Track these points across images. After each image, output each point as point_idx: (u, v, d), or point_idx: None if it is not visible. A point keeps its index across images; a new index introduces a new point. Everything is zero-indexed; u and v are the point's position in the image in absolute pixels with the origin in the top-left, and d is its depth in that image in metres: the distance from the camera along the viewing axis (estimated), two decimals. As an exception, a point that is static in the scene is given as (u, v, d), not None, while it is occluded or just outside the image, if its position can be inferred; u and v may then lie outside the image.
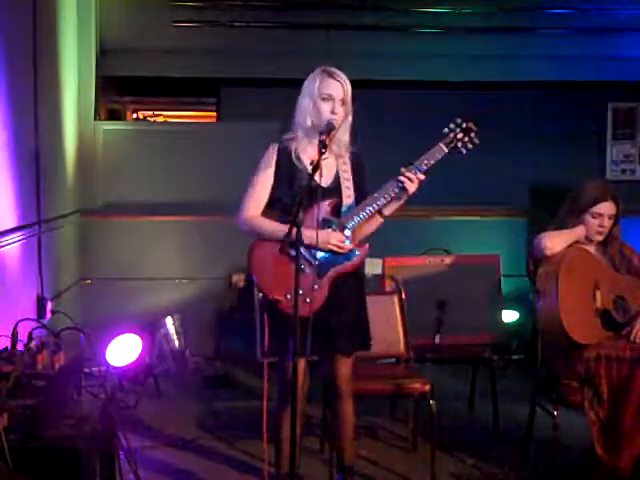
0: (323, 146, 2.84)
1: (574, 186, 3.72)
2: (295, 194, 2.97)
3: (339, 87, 3.03)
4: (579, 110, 6.55)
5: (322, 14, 6.09)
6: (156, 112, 8.27)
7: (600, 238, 3.64)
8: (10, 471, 2.30)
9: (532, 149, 6.35)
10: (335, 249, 2.99)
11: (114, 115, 7.17)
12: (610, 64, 6.22)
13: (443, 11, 6.18)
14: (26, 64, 4.22)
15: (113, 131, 5.85)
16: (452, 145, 3.04)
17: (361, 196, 3.09)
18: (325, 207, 3.02)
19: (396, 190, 3.00)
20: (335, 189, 3.07)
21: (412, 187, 2.99)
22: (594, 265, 3.58)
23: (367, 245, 3.08)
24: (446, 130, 3.06)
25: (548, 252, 3.54)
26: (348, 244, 3.02)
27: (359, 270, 3.15)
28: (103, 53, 5.87)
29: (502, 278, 4.62)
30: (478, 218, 6.15)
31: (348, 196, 3.07)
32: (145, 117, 8.18)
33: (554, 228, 3.66)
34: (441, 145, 3.03)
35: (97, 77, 5.77)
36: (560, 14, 6.24)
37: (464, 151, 3.05)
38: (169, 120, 8.36)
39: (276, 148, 3.12)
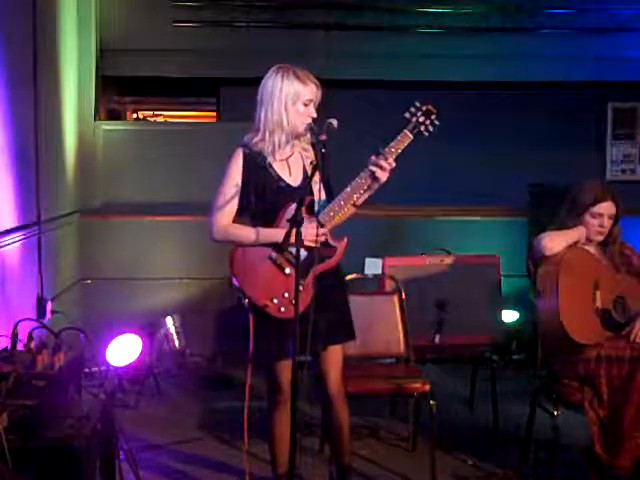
0: (323, 146, 2.84)
1: (574, 186, 3.72)
2: (264, 198, 2.97)
3: (317, 92, 3.04)
4: (579, 110, 6.55)
5: (322, 14, 6.08)
6: (156, 112, 8.27)
7: (600, 238, 3.64)
8: (10, 471, 2.30)
9: (532, 149, 6.34)
10: (318, 239, 2.93)
11: (114, 115, 7.17)
12: (610, 64, 6.22)
13: (443, 11, 6.17)
14: (26, 64, 4.22)
15: (113, 131, 5.85)
16: (416, 130, 3.05)
17: (329, 187, 3.09)
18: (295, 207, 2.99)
19: (368, 180, 3.00)
20: (305, 186, 3.02)
21: (384, 175, 2.98)
22: (594, 265, 3.58)
23: (345, 240, 3.06)
24: (407, 115, 3.06)
25: (548, 252, 3.54)
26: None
27: (338, 266, 3.13)
28: (103, 53, 5.87)
29: (502, 278, 4.61)
30: (478, 218, 6.14)
31: (319, 190, 3.02)
32: (145, 117, 8.17)
33: (554, 228, 3.66)
34: (406, 132, 3.04)
35: (97, 77, 5.77)
36: (560, 14, 6.24)
37: (426, 134, 3.06)
38: (169, 120, 8.35)
39: (241, 153, 3.08)
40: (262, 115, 3.05)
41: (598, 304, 3.48)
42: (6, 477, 2.30)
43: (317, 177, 2.97)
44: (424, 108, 3.07)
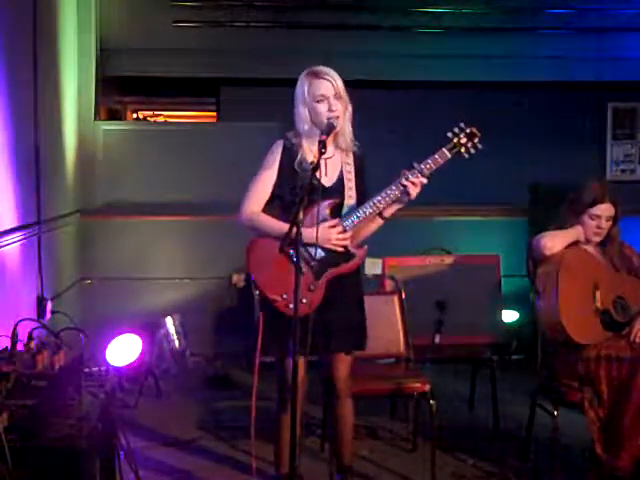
0: (323, 146, 2.83)
1: (574, 186, 3.72)
2: (295, 192, 2.98)
3: (329, 85, 3.01)
4: (579, 110, 6.55)
5: (322, 14, 6.09)
6: (156, 112, 8.28)
7: (598, 239, 3.64)
8: (10, 471, 2.30)
9: (532, 149, 6.35)
10: (337, 243, 2.97)
11: (114, 115, 7.17)
12: (610, 64, 6.22)
13: (443, 11, 6.18)
14: (26, 64, 4.22)
15: (113, 131, 5.85)
16: (455, 150, 3.05)
17: (361, 198, 3.09)
18: (324, 207, 3.01)
19: (398, 194, 2.99)
20: (337, 189, 3.06)
21: (415, 191, 2.99)
22: (594, 265, 3.58)
23: (366, 247, 3.09)
24: (450, 135, 3.07)
25: (547, 252, 3.54)
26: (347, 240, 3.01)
27: (357, 271, 3.14)
28: (103, 53, 5.87)
29: (502, 278, 4.61)
30: (478, 218, 6.15)
31: (350, 197, 3.06)
32: (145, 117, 8.18)
33: (554, 228, 3.66)
34: (444, 150, 3.03)
35: (97, 77, 5.77)
36: (560, 14, 6.24)
37: (467, 156, 3.08)
38: (169, 120, 8.36)
39: (281, 146, 3.11)
40: (294, 116, 3.09)
41: (598, 304, 3.48)
42: (6, 477, 2.30)
43: (352, 182, 3.04)
44: (468, 130, 3.08)
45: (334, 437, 3.33)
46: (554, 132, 6.44)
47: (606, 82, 6.32)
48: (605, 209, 3.60)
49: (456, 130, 3.08)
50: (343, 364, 3.17)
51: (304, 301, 2.90)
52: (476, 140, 3.08)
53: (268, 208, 3.10)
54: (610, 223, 3.62)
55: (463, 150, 3.07)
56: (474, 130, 3.09)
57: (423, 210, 5.89)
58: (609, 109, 6.64)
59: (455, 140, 3.06)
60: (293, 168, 3.07)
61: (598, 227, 3.60)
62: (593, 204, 3.59)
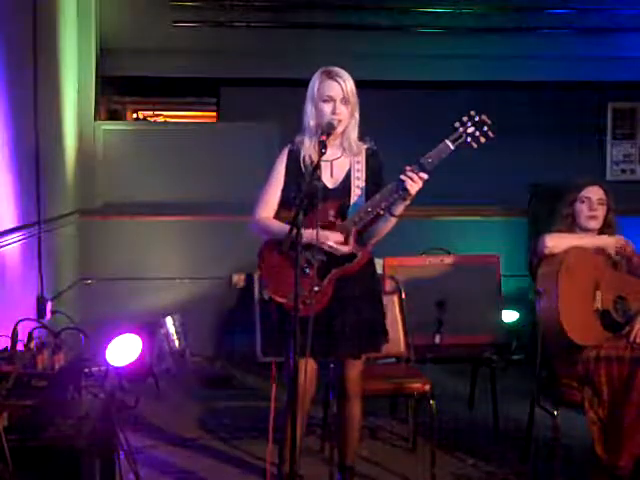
0: (323, 146, 2.84)
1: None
2: (297, 195, 2.98)
3: (338, 87, 3.02)
4: (579, 110, 6.55)
5: (322, 14, 6.09)
6: (156, 112, 8.28)
7: (593, 224, 3.64)
8: (10, 471, 2.30)
9: (532, 149, 6.35)
10: (331, 250, 2.98)
11: (114, 115, 7.17)
12: (610, 64, 6.23)
13: (443, 11, 6.18)
14: (26, 64, 4.22)
15: (113, 131, 5.85)
16: (460, 140, 2.94)
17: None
18: (328, 208, 3.01)
19: (399, 191, 2.94)
20: (343, 190, 3.06)
21: (414, 187, 2.91)
22: (594, 265, 3.58)
23: (368, 247, 3.08)
24: (457, 124, 2.96)
25: (547, 251, 3.55)
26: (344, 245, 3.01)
27: (370, 271, 3.14)
28: (103, 53, 5.87)
29: (502, 278, 4.61)
30: (478, 218, 6.15)
31: (357, 196, 3.05)
32: (145, 117, 8.18)
33: (556, 229, 3.67)
34: (447, 142, 2.93)
35: (97, 77, 5.77)
36: (560, 14, 6.25)
37: (475, 145, 2.95)
38: (169, 120, 8.36)
39: (286, 151, 3.13)
40: (302, 112, 3.10)
41: (598, 304, 3.48)
42: (6, 477, 2.30)
43: (361, 181, 3.03)
44: (477, 118, 2.96)
45: (339, 436, 3.33)
46: (554, 132, 6.45)
47: (606, 82, 6.33)
48: (594, 191, 3.65)
49: (464, 119, 2.96)
50: (354, 366, 3.18)
51: (308, 302, 2.90)
52: (485, 128, 2.95)
53: (280, 213, 3.11)
54: (604, 208, 3.64)
55: (470, 140, 2.94)
56: (484, 118, 2.96)
57: (423, 210, 5.90)
58: (609, 109, 6.64)
59: (461, 129, 2.94)
60: (300, 171, 3.07)
61: (590, 209, 3.62)
62: (582, 187, 3.66)
